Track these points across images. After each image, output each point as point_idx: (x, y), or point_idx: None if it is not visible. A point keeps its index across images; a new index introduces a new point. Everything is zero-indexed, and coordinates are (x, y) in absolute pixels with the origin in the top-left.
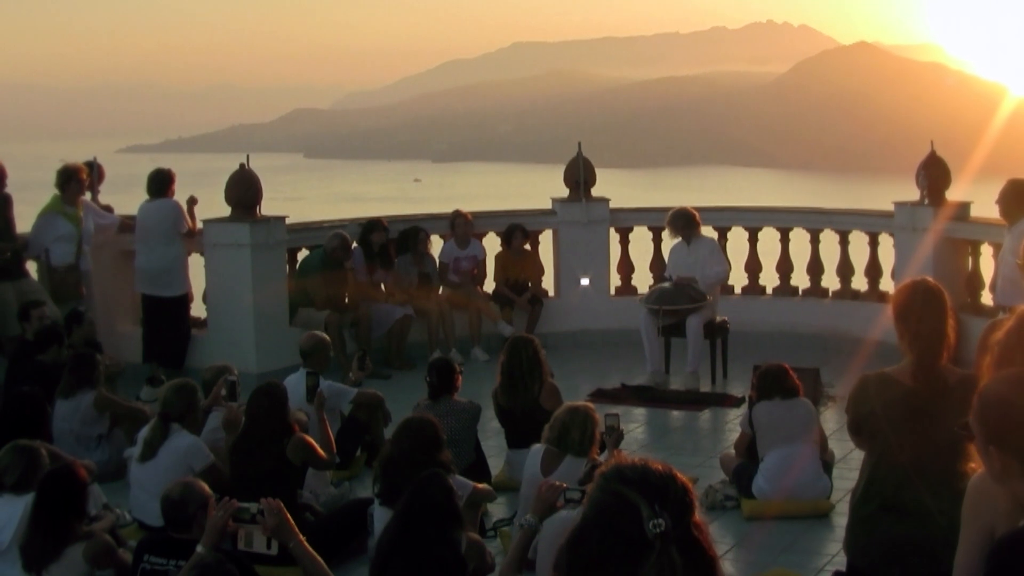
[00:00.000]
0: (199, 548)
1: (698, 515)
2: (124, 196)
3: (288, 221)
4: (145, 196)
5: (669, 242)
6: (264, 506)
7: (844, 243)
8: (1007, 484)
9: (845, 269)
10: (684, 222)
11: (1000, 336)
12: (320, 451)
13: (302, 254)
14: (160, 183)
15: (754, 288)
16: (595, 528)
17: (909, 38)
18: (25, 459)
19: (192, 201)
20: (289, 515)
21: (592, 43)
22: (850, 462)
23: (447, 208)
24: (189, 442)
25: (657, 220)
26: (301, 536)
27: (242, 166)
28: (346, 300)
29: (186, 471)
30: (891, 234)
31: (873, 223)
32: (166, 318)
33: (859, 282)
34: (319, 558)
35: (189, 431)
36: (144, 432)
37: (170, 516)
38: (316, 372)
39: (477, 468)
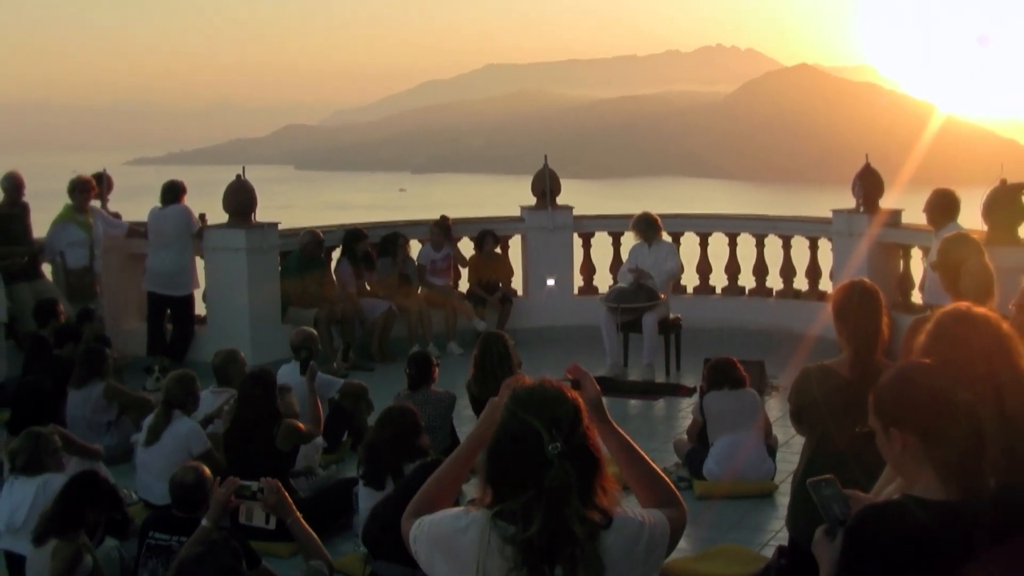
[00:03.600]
0: (204, 522)
1: (585, 420)
2: (131, 204)
3: (280, 227)
4: (151, 204)
5: (629, 243)
6: (264, 484)
7: (787, 247)
8: (904, 468)
9: (788, 271)
10: (647, 225)
11: (921, 339)
12: (303, 428)
13: None
14: (173, 192)
15: (705, 288)
16: (508, 446)
17: (846, 60)
18: (32, 444)
19: (203, 217)
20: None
21: (557, 65)
22: (792, 446)
23: (426, 215)
24: (189, 427)
25: (616, 226)
26: (298, 513)
27: (238, 177)
28: (326, 297)
29: (186, 455)
30: (830, 239)
31: (813, 229)
32: (174, 315)
33: (800, 283)
34: (313, 533)
35: (188, 416)
36: (148, 419)
37: (181, 497)
38: (308, 347)
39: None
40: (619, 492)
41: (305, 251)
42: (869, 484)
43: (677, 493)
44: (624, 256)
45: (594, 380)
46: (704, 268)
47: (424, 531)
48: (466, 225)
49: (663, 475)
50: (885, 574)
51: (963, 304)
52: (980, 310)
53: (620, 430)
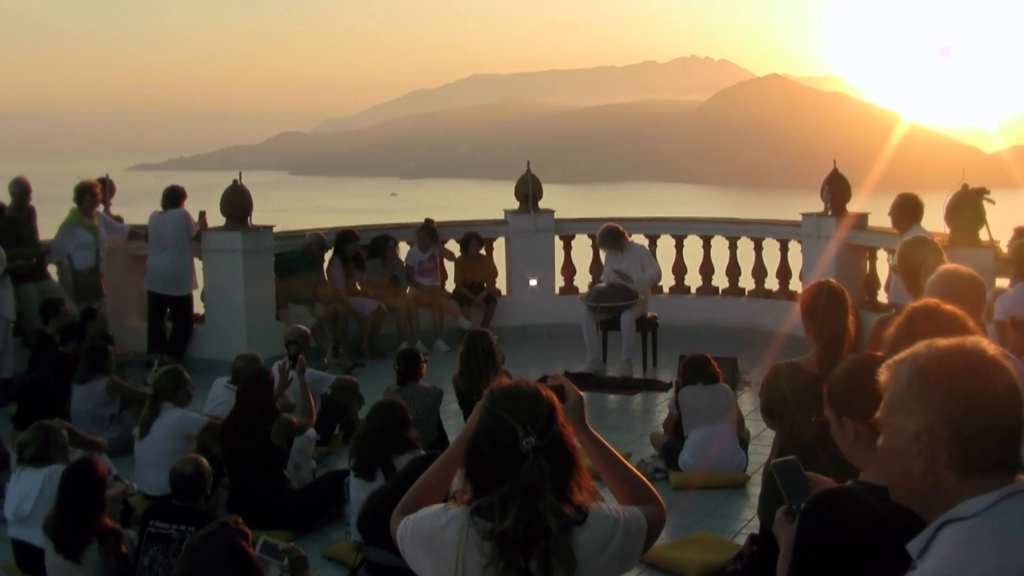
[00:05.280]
0: None
1: (560, 418)
2: (132, 208)
3: (275, 230)
4: (151, 208)
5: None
6: (288, 548)
7: (758, 249)
8: (856, 455)
9: (759, 272)
10: (611, 238)
11: (891, 331)
12: (296, 421)
13: None
14: (174, 197)
15: (680, 288)
16: (485, 442)
17: (815, 71)
18: (41, 436)
19: (203, 215)
20: (277, 496)
21: (539, 75)
22: (763, 439)
23: (415, 218)
24: (178, 415)
25: (596, 229)
26: (311, 573)
27: (235, 182)
28: (317, 296)
29: (182, 439)
30: (799, 241)
31: (783, 232)
32: (174, 314)
33: (771, 283)
34: None
35: (179, 407)
36: (142, 413)
37: (180, 487)
38: (297, 342)
39: (440, 444)
40: (595, 488)
41: (309, 250)
42: (836, 475)
43: (656, 493)
44: (603, 258)
45: (576, 388)
46: (679, 269)
47: (409, 529)
48: (452, 228)
49: (641, 477)
50: (836, 555)
51: (933, 301)
52: (948, 307)
53: (599, 436)
